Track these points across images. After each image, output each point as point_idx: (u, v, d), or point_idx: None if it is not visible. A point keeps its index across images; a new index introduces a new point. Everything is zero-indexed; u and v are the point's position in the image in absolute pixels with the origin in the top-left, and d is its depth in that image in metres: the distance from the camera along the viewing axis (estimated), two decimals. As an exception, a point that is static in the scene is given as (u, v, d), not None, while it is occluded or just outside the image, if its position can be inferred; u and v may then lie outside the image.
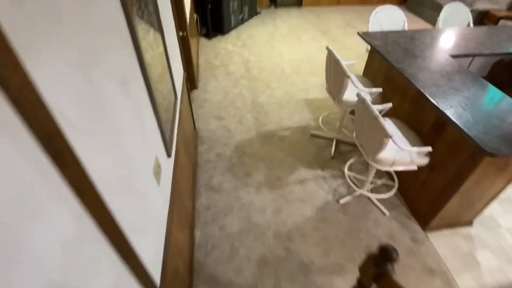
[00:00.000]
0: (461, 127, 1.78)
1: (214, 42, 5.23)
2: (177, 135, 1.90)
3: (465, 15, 3.46)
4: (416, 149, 1.97)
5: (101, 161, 0.75)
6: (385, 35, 2.87)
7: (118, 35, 0.96)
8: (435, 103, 1.99)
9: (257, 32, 5.57)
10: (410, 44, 2.72)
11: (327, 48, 2.53)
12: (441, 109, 1.93)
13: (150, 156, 1.23)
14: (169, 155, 1.59)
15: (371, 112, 1.86)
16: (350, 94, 2.58)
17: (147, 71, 1.20)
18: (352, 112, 3.44)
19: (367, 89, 2.47)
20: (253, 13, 6.14)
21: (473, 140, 1.70)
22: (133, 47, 1.10)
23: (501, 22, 4.76)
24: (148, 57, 1.23)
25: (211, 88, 3.99)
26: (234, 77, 4.26)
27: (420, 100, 2.29)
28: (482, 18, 5.09)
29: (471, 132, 1.74)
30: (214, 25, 5.42)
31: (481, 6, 4.81)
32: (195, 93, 3.87)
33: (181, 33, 3.36)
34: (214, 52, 4.90)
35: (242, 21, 5.90)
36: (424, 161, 2.06)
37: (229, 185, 2.65)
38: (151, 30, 1.37)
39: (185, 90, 2.62)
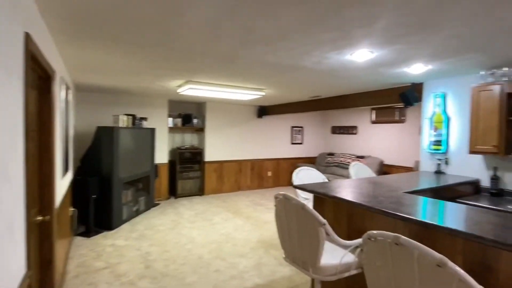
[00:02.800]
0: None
1: (97, 239, 3.84)
2: None
3: (368, 171, 3.74)
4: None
5: None
6: (324, 185, 2.51)
7: None
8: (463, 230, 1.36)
9: (158, 222, 4.59)
10: (359, 188, 2.38)
11: (278, 196, 1.85)
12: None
13: None
14: None
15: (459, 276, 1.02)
16: (329, 256, 1.72)
17: None
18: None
19: (354, 241, 1.70)
20: (150, 204, 5.35)
21: None
22: None
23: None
24: None
25: (85, 306, 2.32)
26: (127, 279, 2.78)
27: (423, 232, 1.65)
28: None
29: None
30: (99, 219, 4.20)
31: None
32: (49, 323, 2.10)
33: (41, 217, 2.11)
34: (95, 251, 3.43)
35: (138, 213, 4.93)
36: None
37: None
38: None
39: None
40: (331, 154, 7.32)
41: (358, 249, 1.74)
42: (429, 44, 2.18)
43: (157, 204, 5.64)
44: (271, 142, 7.40)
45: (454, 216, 1.66)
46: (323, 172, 7.10)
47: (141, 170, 5.00)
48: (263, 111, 6.99)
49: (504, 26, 1.83)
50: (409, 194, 2.26)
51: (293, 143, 7.78)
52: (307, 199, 2.92)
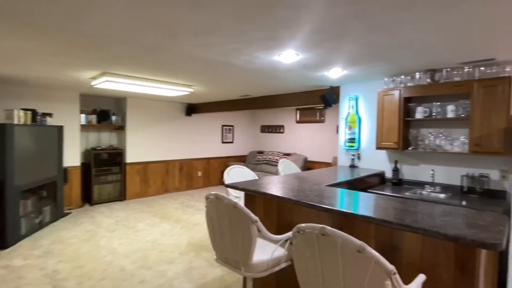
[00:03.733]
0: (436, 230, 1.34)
1: (-17, 262, 3.10)
2: None
3: (294, 167, 3.97)
4: None
5: None
6: (254, 182, 2.54)
7: None
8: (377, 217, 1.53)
9: (69, 234, 3.98)
10: (287, 184, 2.48)
11: (209, 196, 1.78)
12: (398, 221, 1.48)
13: None
14: None
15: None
16: (260, 253, 1.74)
17: None
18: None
19: (283, 235, 1.75)
20: (58, 214, 4.60)
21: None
22: None
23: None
24: None
25: None
26: (28, 306, 2.32)
27: (343, 220, 1.81)
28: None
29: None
30: (-15, 237, 3.41)
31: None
32: None
33: None
34: (-20, 278, 2.77)
35: (42, 225, 4.18)
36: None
37: None
38: None
39: None
40: (260, 152, 7.55)
41: (288, 243, 1.80)
42: (345, 51, 2.40)
43: (68, 214, 4.89)
44: (201, 141, 7.22)
45: (367, 204, 1.87)
46: (253, 169, 7.27)
47: (45, 175, 4.26)
48: (192, 108, 6.76)
49: (401, 41, 2.14)
50: (330, 187, 2.47)
51: (224, 142, 7.74)
52: (237, 197, 2.92)
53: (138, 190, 6.10)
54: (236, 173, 3.22)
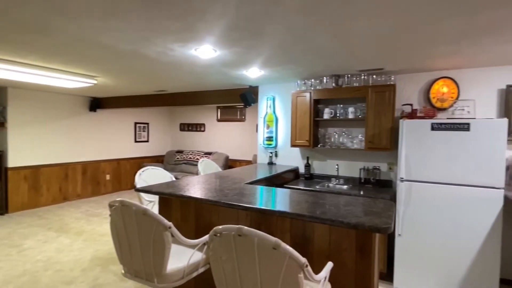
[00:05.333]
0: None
1: None
2: None
3: (215, 166, 3.89)
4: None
5: None
6: (170, 184, 2.36)
7: None
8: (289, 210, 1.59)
9: None
10: (207, 184, 2.38)
11: (113, 203, 1.55)
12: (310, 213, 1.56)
13: None
14: None
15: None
16: (175, 260, 1.61)
17: None
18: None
19: (201, 239, 1.65)
20: None
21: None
22: None
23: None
24: None
25: None
26: None
27: (261, 217, 1.83)
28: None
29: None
30: None
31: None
32: None
33: None
34: None
35: None
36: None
37: None
38: None
39: None
40: (180, 152, 7.20)
41: (206, 246, 1.72)
42: (260, 51, 2.45)
43: None
44: (109, 140, 6.43)
45: (283, 200, 1.94)
46: (172, 170, 6.89)
47: None
48: (97, 103, 5.96)
49: (309, 46, 2.30)
50: (249, 185, 2.48)
51: (137, 141, 7.09)
52: (151, 201, 2.68)
53: (25, 200, 5.04)
54: (149, 175, 2.95)
